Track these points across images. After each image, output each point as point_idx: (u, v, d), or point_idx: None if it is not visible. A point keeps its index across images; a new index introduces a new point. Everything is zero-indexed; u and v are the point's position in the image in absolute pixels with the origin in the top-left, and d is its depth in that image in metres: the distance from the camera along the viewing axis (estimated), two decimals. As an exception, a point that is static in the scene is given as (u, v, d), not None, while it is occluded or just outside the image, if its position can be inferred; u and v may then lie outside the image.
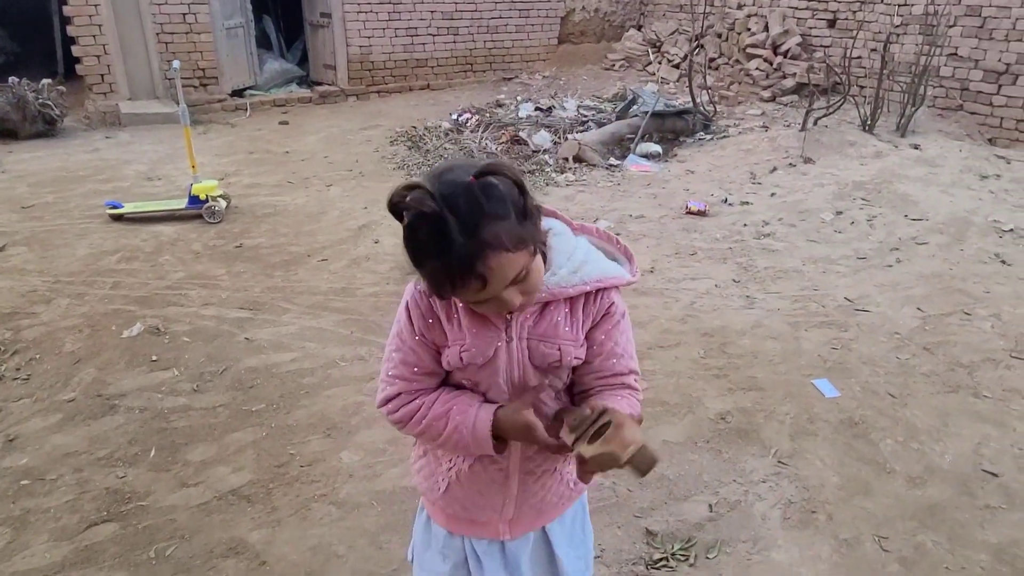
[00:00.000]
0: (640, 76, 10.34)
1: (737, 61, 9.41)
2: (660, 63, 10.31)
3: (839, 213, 5.31)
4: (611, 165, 6.56)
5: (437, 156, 6.67)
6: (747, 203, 5.54)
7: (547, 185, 6.04)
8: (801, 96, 8.47)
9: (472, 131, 7.25)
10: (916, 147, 6.71)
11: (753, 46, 9.14)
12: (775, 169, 6.32)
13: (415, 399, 1.22)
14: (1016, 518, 2.39)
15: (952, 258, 4.54)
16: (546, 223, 1.18)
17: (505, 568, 1.35)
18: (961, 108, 7.46)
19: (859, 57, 8.20)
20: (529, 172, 6.33)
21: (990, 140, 7.21)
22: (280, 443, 2.71)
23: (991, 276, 4.29)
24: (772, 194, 5.73)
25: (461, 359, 1.17)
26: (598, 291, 1.19)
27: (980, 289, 4.11)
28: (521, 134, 7.02)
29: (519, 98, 8.88)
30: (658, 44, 10.59)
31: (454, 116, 7.95)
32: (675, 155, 6.95)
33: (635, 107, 7.41)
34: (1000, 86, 7.09)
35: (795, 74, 8.74)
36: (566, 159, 6.55)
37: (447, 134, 7.35)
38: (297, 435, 2.76)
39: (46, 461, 2.63)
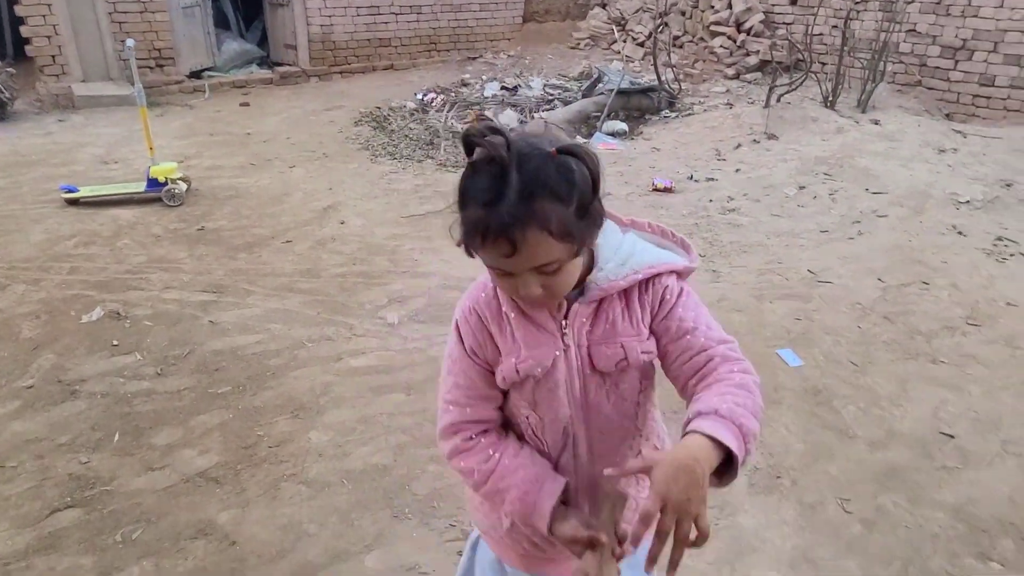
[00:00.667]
0: (605, 54, 10.32)
1: (701, 39, 9.44)
2: (625, 41, 10.30)
3: (802, 188, 5.38)
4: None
5: (402, 136, 6.61)
6: (712, 179, 5.58)
7: (514, 164, 6.02)
8: (764, 73, 8.54)
9: (437, 111, 7.19)
10: (876, 122, 6.81)
11: (717, 24, 9.18)
12: (740, 145, 6.38)
13: (471, 450, 1.13)
14: (971, 477, 2.46)
15: (911, 230, 4.63)
16: None
17: None
18: (920, 84, 7.59)
19: (820, 34, 8.29)
20: (496, 151, 6.30)
21: (947, 115, 7.35)
22: (247, 425, 2.68)
23: (949, 247, 4.39)
24: (737, 170, 5.78)
25: (517, 371, 1.09)
26: (650, 280, 1.10)
27: (938, 260, 4.20)
28: (487, 113, 6.98)
29: (484, 77, 8.81)
30: (623, 22, 10.57)
31: (419, 96, 7.87)
32: (641, 133, 6.97)
33: (600, 85, 7.41)
34: (957, 62, 7.23)
35: (758, 51, 8.81)
36: (532, 138, 6.53)
37: (412, 114, 7.28)
38: (264, 416, 2.73)
39: (6, 448, 2.57)
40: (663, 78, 7.56)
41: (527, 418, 1.15)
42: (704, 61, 9.23)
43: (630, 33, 10.32)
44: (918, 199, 5.11)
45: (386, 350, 3.19)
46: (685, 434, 0.96)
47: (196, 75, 8.87)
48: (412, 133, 6.68)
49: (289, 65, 9.49)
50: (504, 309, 1.10)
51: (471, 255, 1.02)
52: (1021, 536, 2.21)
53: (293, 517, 2.25)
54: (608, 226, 1.10)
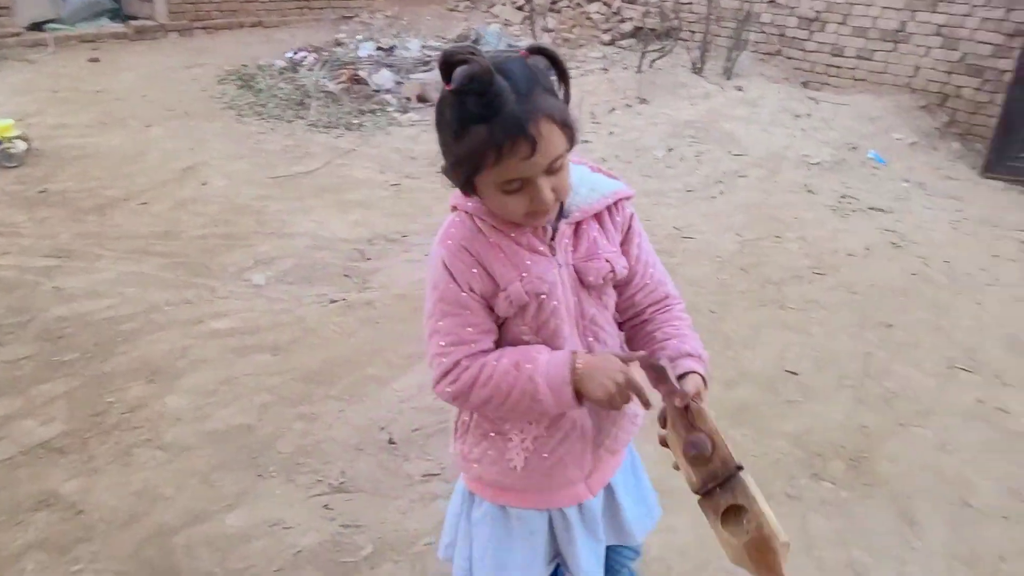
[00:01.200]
0: (484, 17, 10.24)
1: (578, 4, 9.54)
2: (504, 4, 10.25)
3: (670, 150, 5.59)
4: (455, 105, 6.50)
5: (270, 96, 6.30)
6: (587, 141, 5.70)
7: (389, 125, 5.89)
8: (638, 39, 8.76)
9: (309, 70, 6.90)
10: (740, 89, 7.16)
11: (593, -11, 9.30)
12: (613, 109, 6.54)
13: (475, 363, 1.11)
14: (810, 409, 2.68)
15: (768, 189, 4.93)
16: None
17: (588, 531, 1.29)
18: (779, 53, 8.02)
19: (690, 3, 8.57)
20: (370, 112, 6.14)
21: (804, 83, 7.83)
22: (96, 392, 2.51)
23: (799, 204, 4.71)
24: (610, 133, 5.93)
25: (526, 293, 1.09)
26: (617, 203, 1.19)
27: (790, 216, 4.50)
28: (361, 73, 6.77)
29: (359, 37, 8.52)
30: (502, -14, 10.50)
31: (289, 55, 7.51)
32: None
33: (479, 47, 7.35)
34: (812, 32, 7.68)
35: (632, 18, 9.01)
36: (409, 99, 6.41)
37: (281, 73, 6.95)
38: (116, 383, 2.57)
39: None
40: (541, 42, 7.60)
41: (520, 340, 1.16)
42: (581, 26, 9.35)
43: (509, -3, 10.28)
44: (774, 161, 5.44)
45: (251, 311, 3.07)
46: (685, 373, 1.21)
47: (37, 27, 8.05)
48: (282, 92, 6.38)
49: (145, 18, 8.79)
50: (493, 240, 1.10)
51: (470, 188, 1.05)
52: (849, 457, 2.43)
53: (148, 482, 2.14)
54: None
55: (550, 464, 1.20)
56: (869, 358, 3.04)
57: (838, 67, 7.55)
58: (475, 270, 1.10)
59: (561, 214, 1.14)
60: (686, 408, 1.13)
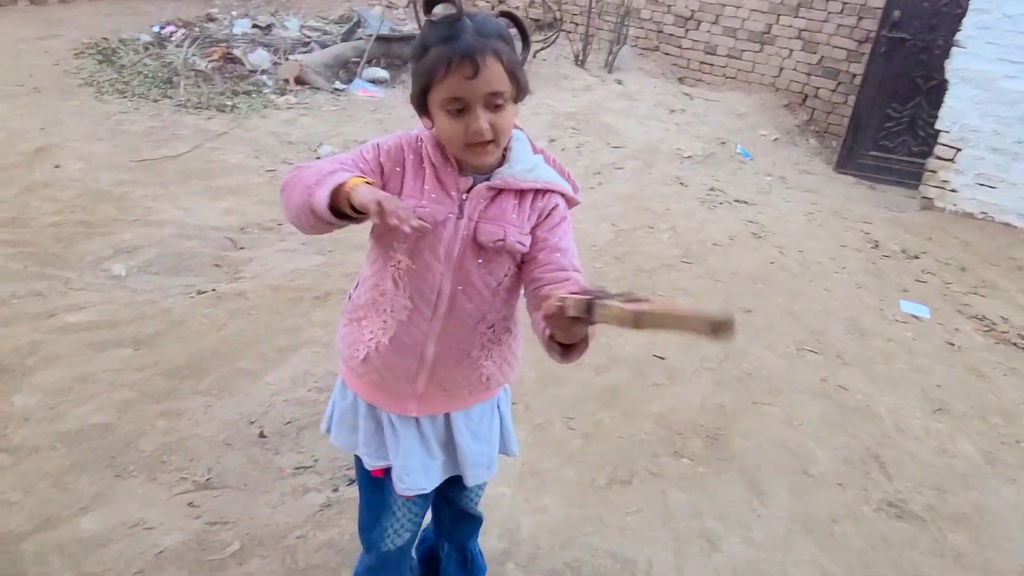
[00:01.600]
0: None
1: (465, -9, 9.53)
2: (390, -13, 10.07)
3: (552, 141, 5.72)
4: (336, 89, 6.35)
5: (135, 73, 5.92)
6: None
7: (265, 108, 5.68)
8: (523, 30, 8.85)
9: (177, 46, 6.52)
10: (620, 82, 7.41)
11: (479, -23, 9.29)
12: (498, 98, 6.59)
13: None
14: (674, 391, 2.85)
15: (643, 181, 5.15)
16: (514, 132, 1.31)
17: (420, 441, 1.41)
18: (658, 49, 8.34)
19: (573, -4, 8.74)
20: (245, 93, 5.89)
21: (680, 79, 8.19)
22: (-73, 395, 2.31)
23: (671, 196, 4.95)
24: (494, 122, 5.98)
25: (415, 212, 1.22)
26: (545, 192, 1.30)
27: (663, 207, 4.72)
28: (235, 52, 6.48)
29: (234, 13, 8.14)
30: (387, -33, 10.31)
31: (156, 28, 7.07)
32: (403, 81, 6.91)
33: (360, 30, 7.20)
34: (687, 30, 8.04)
35: (518, 7, 9.09)
36: (287, 80, 6.20)
37: (147, 48, 6.53)
38: (-48, 384, 2.37)
39: None
40: (510, 8, 7.53)
41: (399, 262, 1.29)
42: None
43: (395, -21, 10.10)
44: (650, 153, 5.68)
45: (110, 304, 2.90)
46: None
47: None
48: (147, 70, 6.00)
49: (-10, -18, 8.00)
50: (424, 163, 1.27)
51: (423, 105, 1.21)
52: (707, 435, 2.61)
53: (-11, 490, 1.99)
54: (523, 138, 1.33)
55: (384, 366, 1.35)
56: (729, 342, 3.25)
57: (711, 65, 7.94)
58: (395, 166, 1.28)
59: (489, 177, 1.28)
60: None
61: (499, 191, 1.28)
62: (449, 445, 1.46)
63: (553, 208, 1.32)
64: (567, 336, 1.11)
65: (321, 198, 1.14)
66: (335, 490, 2.11)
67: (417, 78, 1.20)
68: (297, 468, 2.18)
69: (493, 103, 1.18)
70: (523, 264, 1.33)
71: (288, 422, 2.37)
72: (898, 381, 3.14)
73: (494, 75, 1.16)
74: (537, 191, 1.30)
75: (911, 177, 6.12)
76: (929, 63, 6.15)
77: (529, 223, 1.30)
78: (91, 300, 2.92)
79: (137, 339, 2.70)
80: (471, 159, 1.23)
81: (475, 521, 1.71)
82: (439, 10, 1.18)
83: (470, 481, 1.48)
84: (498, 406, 1.52)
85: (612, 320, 0.99)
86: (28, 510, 1.93)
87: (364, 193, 1.11)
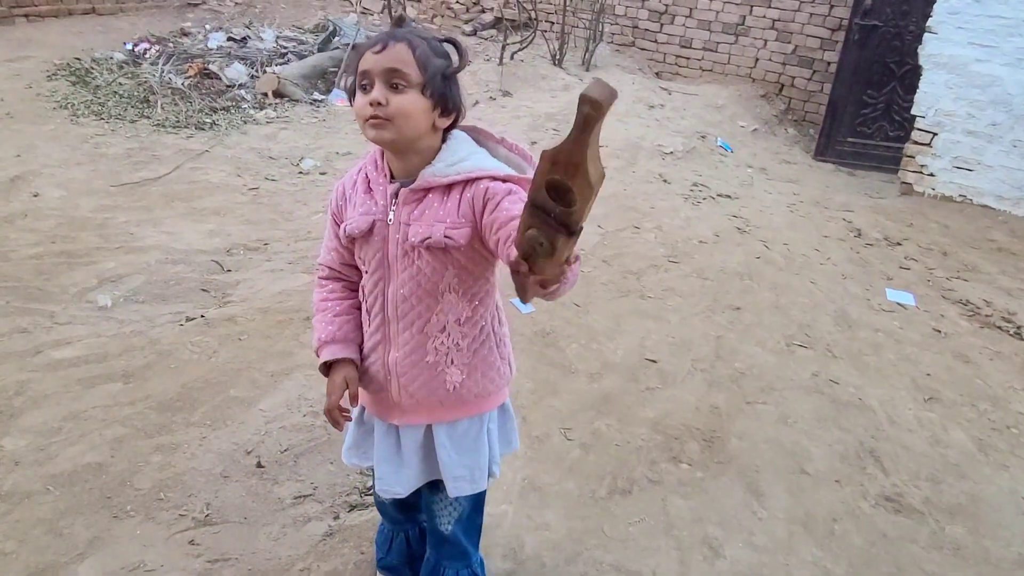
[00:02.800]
0: (343, 6, 9.96)
1: (438, -6, 9.49)
2: (362, -7, 10.01)
3: (533, 143, 5.70)
4: (315, 100, 6.31)
5: (110, 93, 5.85)
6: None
7: (245, 123, 5.63)
8: (499, 30, 8.84)
9: (152, 64, 6.46)
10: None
11: (451, -21, 9.27)
12: (477, 103, 6.58)
13: (323, 287, 1.52)
14: (668, 395, 2.86)
15: (626, 180, 5.15)
16: (452, 133, 1.37)
17: (397, 450, 1.51)
18: (634, 44, 8.36)
19: (547, -6, 8.73)
20: (223, 109, 5.84)
21: (657, 73, 8.21)
22: (-84, 442, 2.27)
23: (655, 194, 4.96)
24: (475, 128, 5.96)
25: (345, 231, 1.40)
26: (472, 181, 1.31)
27: (647, 206, 4.73)
28: (212, 67, 6.42)
29: (208, 27, 8.06)
30: (359, -27, 10.25)
31: (129, 46, 6.99)
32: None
33: (336, 39, 7.16)
34: (662, 25, 8.06)
35: (493, 8, 9.07)
36: (265, 94, 6.15)
37: (121, 67, 6.46)
38: (-60, 430, 2.33)
39: None
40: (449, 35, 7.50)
41: (361, 269, 1.44)
42: (442, 16, 9.31)
43: (367, -15, 10.05)
44: (631, 151, 5.69)
45: (97, 337, 2.87)
46: None
47: None
48: (122, 89, 5.93)
49: (-45, 5, 7.87)
50: (357, 185, 1.42)
51: (352, 92, 1.31)
52: (703, 438, 2.62)
53: (-16, 539, 1.96)
54: (461, 137, 1.37)
55: (367, 369, 1.49)
56: (720, 341, 3.27)
57: (687, 58, 7.97)
58: (341, 203, 1.45)
59: (414, 180, 1.34)
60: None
61: (426, 192, 1.34)
62: (431, 455, 1.52)
63: (487, 190, 1.29)
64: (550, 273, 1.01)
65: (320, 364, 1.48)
66: (336, 518, 2.10)
67: (352, 62, 1.33)
68: (296, 497, 2.17)
69: (392, 81, 1.26)
70: (490, 241, 1.28)
71: (285, 449, 2.36)
72: (888, 372, 3.17)
73: (399, 55, 1.26)
74: (464, 182, 1.32)
75: (889, 162, 6.18)
76: (902, 49, 6.20)
77: (461, 215, 1.31)
78: (77, 334, 2.88)
79: (127, 372, 2.67)
80: (369, 133, 1.30)
81: (452, 548, 1.63)
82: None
83: (452, 492, 1.52)
84: (489, 424, 1.54)
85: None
86: (23, 560, 1.91)
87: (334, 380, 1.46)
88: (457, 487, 1.51)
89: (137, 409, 2.48)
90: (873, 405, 2.91)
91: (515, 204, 1.26)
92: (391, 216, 1.35)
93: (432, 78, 1.28)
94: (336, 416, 1.45)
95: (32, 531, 1.99)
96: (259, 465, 2.28)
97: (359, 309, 1.50)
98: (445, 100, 1.31)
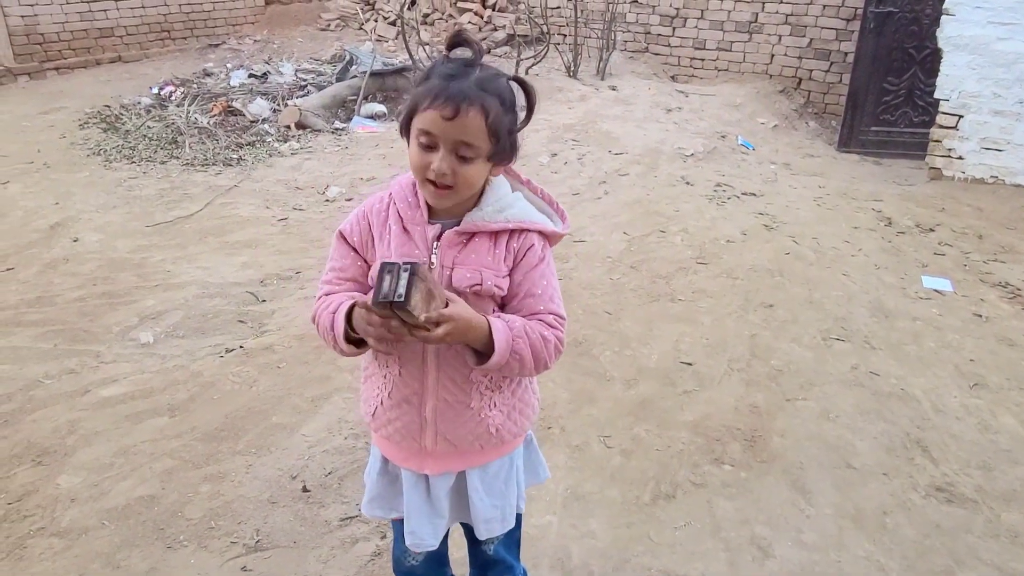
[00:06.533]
0: (358, 35, 10.14)
1: (450, 15, 9.62)
2: (376, 21, 10.20)
3: (554, 155, 5.74)
4: (337, 129, 6.43)
5: (140, 136, 6.02)
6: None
7: (270, 156, 5.76)
8: (513, 47, 8.92)
9: (178, 105, 6.64)
10: (614, 88, 7.43)
11: None
12: (495, 119, 6.63)
13: (322, 298, 1.36)
14: (706, 396, 2.84)
15: (648, 184, 5.15)
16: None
17: (427, 500, 1.43)
18: (647, 50, 8.38)
19: (558, 7, 8.81)
20: (249, 144, 5.97)
21: (672, 77, 8.21)
22: (-23, 485, 2.35)
23: (679, 196, 4.95)
24: (494, 143, 6.01)
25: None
26: (520, 232, 1.30)
27: (671, 209, 4.72)
28: (235, 104, 6.58)
29: (229, 65, 8.28)
30: (372, 1, 10.44)
31: (154, 90, 7.21)
32: (400, 113, 6.98)
33: (353, 68, 7.29)
34: (674, 29, 8.07)
35: (505, 26, 9.17)
36: (288, 127, 6.28)
37: (149, 111, 6.65)
38: (-1, 471, 2.41)
39: None
40: (416, 57, 7.61)
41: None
42: (455, 38, 9.42)
43: (380, 12, 10.23)
44: (652, 156, 5.69)
45: (141, 373, 2.94)
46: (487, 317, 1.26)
47: None
48: (151, 132, 6.11)
49: (-11, 64, 8.19)
50: (389, 222, 1.31)
51: (406, 130, 1.25)
52: (744, 438, 2.60)
53: (47, 575, 2.02)
54: (501, 180, 1.34)
55: (389, 423, 1.39)
56: (754, 339, 3.24)
57: (702, 59, 7.96)
58: (365, 237, 1.34)
59: (459, 222, 1.29)
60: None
61: (472, 235, 1.29)
62: (462, 501, 1.47)
63: (529, 249, 1.31)
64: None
65: (340, 331, 1.29)
66: (383, 537, 2.13)
67: (409, 100, 1.25)
68: (343, 519, 2.20)
69: (461, 152, 1.20)
70: (503, 306, 1.34)
71: (329, 473, 2.40)
72: (930, 360, 3.11)
73: (471, 126, 1.18)
74: (512, 231, 1.30)
75: (916, 148, 6.08)
76: (920, 33, 6.13)
77: (506, 265, 1.30)
78: (122, 371, 2.96)
79: (172, 406, 2.74)
80: (426, 195, 1.26)
81: (497, 566, 1.63)
82: (458, 52, 1.25)
83: (482, 535, 1.48)
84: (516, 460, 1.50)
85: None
86: (86, 592, 1.96)
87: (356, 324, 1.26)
88: (488, 528, 1.47)
89: (184, 441, 2.54)
90: (917, 395, 2.86)
91: (541, 279, 1.32)
92: (434, 260, 1.29)
93: (501, 144, 1.23)
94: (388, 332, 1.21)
95: (91, 565, 2.05)
96: (305, 489, 2.32)
97: None
98: (506, 158, 1.28)
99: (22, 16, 8.16)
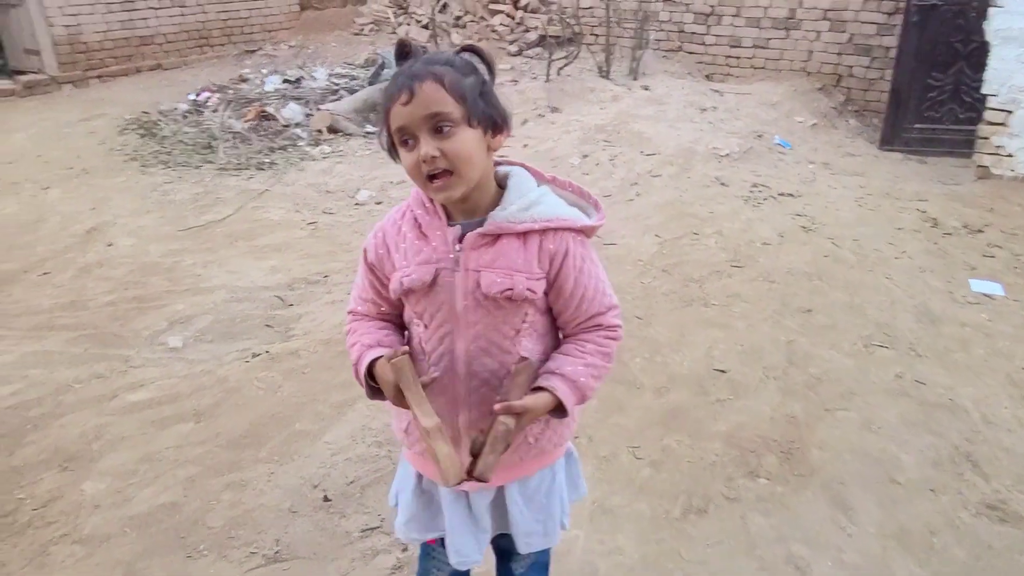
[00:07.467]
0: (391, 39, 10.18)
1: (482, 17, 9.60)
2: (409, 24, 10.23)
3: (585, 156, 5.65)
4: (368, 132, 6.43)
5: (175, 142, 6.11)
6: (503, 156, 5.71)
7: (302, 160, 5.78)
8: (545, 48, 8.85)
9: (213, 111, 6.72)
10: (646, 88, 7.31)
11: (495, 1, 9.36)
12: (526, 121, 6.57)
13: (353, 323, 1.36)
14: (740, 405, 2.74)
15: (681, 186, 5.03)
16: (509, 169, 1.28)
17: (469, 516, 1.38)
18: (680, 49, 8.23)
19: (590, 7, 8.71)
20: (281, 149, 6.01)
21: (707, 76, 8.05)
22: (3, 489, 2.36)
23: (713, 198, 4.82)
24: (525, 145, 5.95)
25: (401, 284, 1.24)
26: (552, 231, 1.23)
27: (705, 211, 4.60)
28: (269, 109, 6.63)
29: (264, 71, 8.36)
30: (404, 5, 10.48)
31: (192, 96, 7.31)
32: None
33: (385, 71, 7.30)
34: (709, 27, 7.91)
35: (536, 27, 9.10)
36: (320, 131, 6.31)
37: (186, 116, 6.75)
38: (26, 476, 2.42)
39: None
40: (469, 42, 7.58)
41: (417, 328, 1.29)
42: (487, 39, 9.39)
43: (413, 15, 10.26)
44: (685, 156, 5.56)
45: (169, 378, 2.95)
46: (539, 387, 1.23)
47: (-86, 92, 7.62)
48: (187, 137, 6.19)
49: (34, 72, 8.41)
50: (404, 230, 1.27)
51: (392, 149, 1.22)
52: (781, 450, 2.49)
53: (68, 582, 2.02)
54: (523, 174, 1.27)
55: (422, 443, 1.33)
56: (792, 346, 3.12)
57: (737, 58, 7.79)
58: (381, 251, 1.30)
59: (482, 222, 1.22)
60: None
61: (497, 236, 1.22)
62: (501, 513, 1.41)
63: (566, 254, 1.24)
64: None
65: (364, 389, 1.31)
66: (404, 550, 2.08)
67: (380, 120, 1.22)
68: (364, 530, 2.15)
69: (436, 126, 1.14)
70: (554, 308, 1.30)
71: (351, 482, 2.35)
72: (980, 369, 2.96)
73: (431, 97, 1.14)
74: (543, 230, 1.23)
75: (962, 146, 5.85)
76: (966, 26, 5.89)
77: (540, 267, 1.23)
78: (150, 376, 2.97)
79: (197, 411, 2.73)
80: (437, 195, 1.20)
81: None
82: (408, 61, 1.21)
83: (522, 549, 1.42)
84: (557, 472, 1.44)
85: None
86: (106, 601, 1.95)
87: (383, 374, 1.25)
88: (529, 543, 1.42)
89: (208, 448, 2.53)
90: (966, 405, 2.72)
91: (582, 276, 1.26)
92: (458, 264, 1.22)
93: (473, 104, 1.16)
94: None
95: (112, 573, 2.03)
96: (326, 499, 2.28)
97: (399, 332, 1.37)
98: (492, 118, 1.20)
99: (66, 26, 8.36)
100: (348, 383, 2.88)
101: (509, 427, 1.18)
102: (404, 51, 1.23)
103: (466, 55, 1.22)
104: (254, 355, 3.11)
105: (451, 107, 1.14)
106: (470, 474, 1.17)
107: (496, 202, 1.24)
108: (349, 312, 1.39)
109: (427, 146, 1.14)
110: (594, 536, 2.14)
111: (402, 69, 1.18)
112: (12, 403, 2.80)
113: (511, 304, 1.22)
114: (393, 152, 1.22)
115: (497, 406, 1.18)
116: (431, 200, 1.26)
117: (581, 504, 2.25)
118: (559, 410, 1.24)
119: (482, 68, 1.22)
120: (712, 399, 2.78)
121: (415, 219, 1.27)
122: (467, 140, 1.16)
